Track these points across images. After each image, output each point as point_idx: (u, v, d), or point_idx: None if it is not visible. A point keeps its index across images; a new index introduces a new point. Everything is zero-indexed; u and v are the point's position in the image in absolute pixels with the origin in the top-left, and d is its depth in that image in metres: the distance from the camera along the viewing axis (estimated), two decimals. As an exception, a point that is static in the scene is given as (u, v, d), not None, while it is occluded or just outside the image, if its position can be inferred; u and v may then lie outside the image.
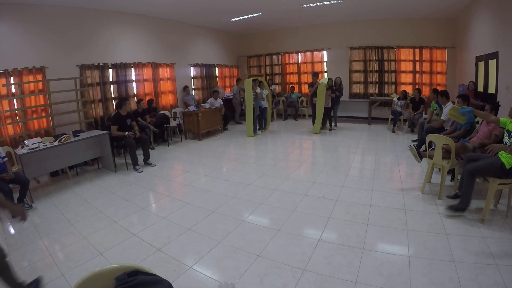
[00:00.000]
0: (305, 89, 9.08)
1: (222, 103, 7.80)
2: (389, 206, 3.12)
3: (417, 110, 6.62)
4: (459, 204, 2.79)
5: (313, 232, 2.69)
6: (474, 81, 5.80)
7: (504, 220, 2.72)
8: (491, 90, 4.97)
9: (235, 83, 9.32)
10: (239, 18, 7.67)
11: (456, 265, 2.09)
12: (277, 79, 10.07)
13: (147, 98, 6.72)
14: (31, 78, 4.81)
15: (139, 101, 6.13)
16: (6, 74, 4.54)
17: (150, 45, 6.96)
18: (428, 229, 2.62)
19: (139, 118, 5.94)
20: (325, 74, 9.05)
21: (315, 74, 7.08)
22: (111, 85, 6.10)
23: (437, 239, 2.45)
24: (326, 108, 6.97)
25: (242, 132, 7.50)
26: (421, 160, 3.60)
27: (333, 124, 7.58)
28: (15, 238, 2.89)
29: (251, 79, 7.07)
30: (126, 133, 4.78)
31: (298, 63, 9.61)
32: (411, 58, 7.97)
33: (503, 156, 2.63)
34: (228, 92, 9.45)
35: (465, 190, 2.77)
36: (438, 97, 4.88)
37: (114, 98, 6.12)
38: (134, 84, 6.65)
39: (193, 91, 8.33)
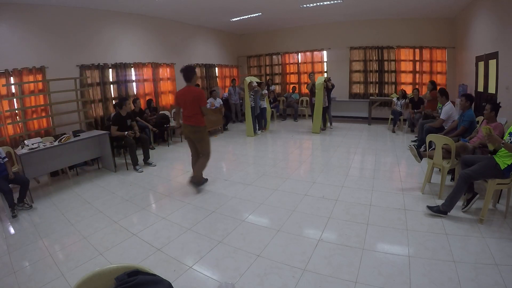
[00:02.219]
0: (304, 89, 9.08)
1: (222, 103, 7.80)
2: (389, 206, 3.12)
3: (417, 109, 6.64)
4: (442, 206, 2.78)
5: (313, 232, 2.69)
6: (475, 81, 5.81)
7: (503, 220, 2.73)
8: (491, 90, 4.97)
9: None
10: (239, 18, 7.67)
11: (456, 265, 2.09)
12: (277, 79, 10.08)
13: (147, 98, 6.74)
14: (31, 78, 4.81)
15: (135, 100, 6.15)
16: (6, 74, 4.54)
17: (150, 45, 6.96)
18: (428, 229, 2.62)
19: (138, 118, 5.94)
20: (325, 74, 9.06)
21: (312, 74, 7.10)
22: (111, 85, 6.10)
23: (437, 239, 2.45)
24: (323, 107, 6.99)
25: (242, 132, 7.50)
26: (421, 160, 3.60)
27: (327, 124, 7.57)
28: (15, 238, 2.89)
29: (250, 79, 7.08)
30: (126, 132, 4.78)
31: (298, 63, 9.61)
32: (411, 58, 7.97)
33: (498, 156, 2.63)
34: (226, 93, 9.44)
35: (454, 194, 2.73)
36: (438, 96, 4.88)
37: (114, 98, 6.12)
38: (134, 84, 6.65)
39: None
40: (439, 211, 2.79)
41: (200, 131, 3.61)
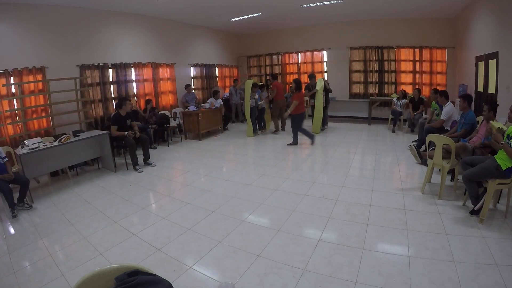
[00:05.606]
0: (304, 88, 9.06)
1: (222, 103, 7.80)
2: (389, 206, 3.11)
3: (417, 110, 6.62)
4: (475, 207, 2.79)
5: (313, 232, 2.69)
6: (475, 81, 5.82)
7: (503, 220, 2.72)
8: (491, 90, 4.97)
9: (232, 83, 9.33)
10: (239, 18, 7.67)
11: (456, 265, 2.09)
12: (277, 79, 10.05)
13: (147, 98, 6.74)
14: (31, 78, 4.81)
15: (148, 101, 6.42)
16: (6, 74, 4.54)
17: (150, 45, 6.96)
18: (428, 229, 2.62)
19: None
20: (325, 74, 9.06)
21: (312, 76, 7.12)
22: (111, 85, 6.10)
23: (437, 239, 2.45)
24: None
25: (242, 132, 7.50)
26: (421, 160, 3.59)
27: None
28: (15, 238, 2.89)
29: (252, 80, 7.10)
30: (126, 132, 4.78)
31: (298, 63, 9.61)
32: (411, 58, 7.97)
33: (499, 158, 2.63)
34: (226, 93, 9.44)
35: (470, 194, 2.81)
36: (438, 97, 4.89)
37: (114, 98, 6.12)
38: (134, 84, 6.65)
39: (193, 91, 8.31)
40: (475, 212, 2.77)
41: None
